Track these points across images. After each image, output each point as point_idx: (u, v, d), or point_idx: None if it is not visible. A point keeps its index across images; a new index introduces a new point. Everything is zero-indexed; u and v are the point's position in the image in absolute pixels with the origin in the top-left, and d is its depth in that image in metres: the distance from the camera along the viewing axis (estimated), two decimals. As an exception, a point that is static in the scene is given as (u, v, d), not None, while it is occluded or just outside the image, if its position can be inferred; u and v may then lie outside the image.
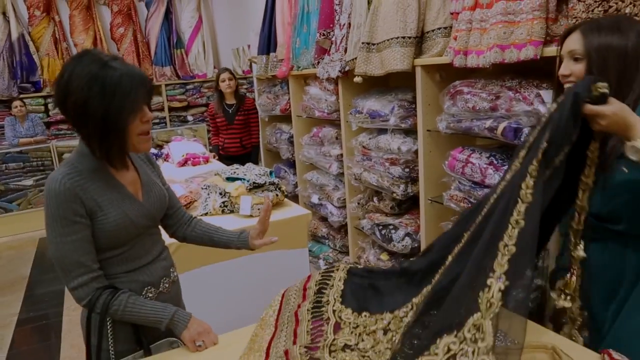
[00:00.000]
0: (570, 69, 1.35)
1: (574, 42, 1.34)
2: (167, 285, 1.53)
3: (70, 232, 1.30)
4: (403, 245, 2.92)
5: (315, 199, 4.00)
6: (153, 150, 4.19)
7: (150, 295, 1.47)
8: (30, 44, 6.10)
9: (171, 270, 1.58)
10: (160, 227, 1.63)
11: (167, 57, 6.67)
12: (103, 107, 1.23)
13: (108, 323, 1.36)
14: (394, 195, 2.92)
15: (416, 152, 2.72)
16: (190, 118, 6.86)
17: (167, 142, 5.17)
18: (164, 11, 6.54)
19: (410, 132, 2.84)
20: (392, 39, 2.59)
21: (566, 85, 1.37)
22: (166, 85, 6.61)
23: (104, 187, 1.37)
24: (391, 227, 3.05)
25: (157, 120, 6.65)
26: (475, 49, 2.12)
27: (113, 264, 1.40)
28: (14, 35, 6.02)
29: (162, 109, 6.65)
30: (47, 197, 1.29)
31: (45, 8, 6.13)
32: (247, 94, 6.71)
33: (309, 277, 1.57)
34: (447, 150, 2.48)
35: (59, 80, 1.27)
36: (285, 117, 4.53)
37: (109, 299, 1.33)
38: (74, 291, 1.33)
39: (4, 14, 6.01)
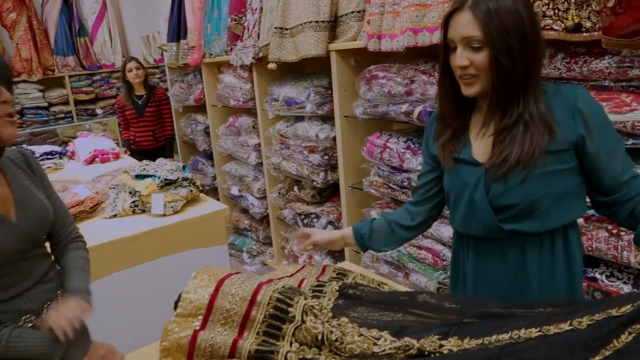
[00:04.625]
0: (469, 59, 1.13)
1: (469, 27, 1.11)
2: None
3: None
4: (326, 235, 2.87)
5: (235, 191, 3.87)
6: (56, 148, 3.86)
7: (30, 324, 1.26)
8: None
9: (59, 292, 1.37)
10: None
11: (70, 46, 6.17)
12: None
13: None
14: (314, 183, 2.86)
15: (334, 138, 2.67)
16: (99, 111, 6.44)
17: (74, 138, 4.81)
18: (63, -5, 6.05)
19: (328, 118, 2.79)
20: (305, 23, 2.50)
21: (463, 79, 1.17)
22: (70, 76, 6.13)
23: None
24: (313, 215, 3.00)
25: (62, 115, 6.18)
26: (388, 33, 2.08)
27: None
28: None
29: (66, 102, 6.18)
30: None
31: None
32: (160, 83, 6.39)
33: (259, 286, 1.18)
34: (365, 135, 2.44)
35: None
36: (200, 107, 4.35)
37: None
38: None
39: None
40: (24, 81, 5.88)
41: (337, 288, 1.27)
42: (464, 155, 1.25)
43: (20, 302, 1.25)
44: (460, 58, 1.14)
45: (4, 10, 5.80)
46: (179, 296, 1.19)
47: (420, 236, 2.22)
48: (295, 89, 2.83)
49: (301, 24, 2.53)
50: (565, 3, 1.55)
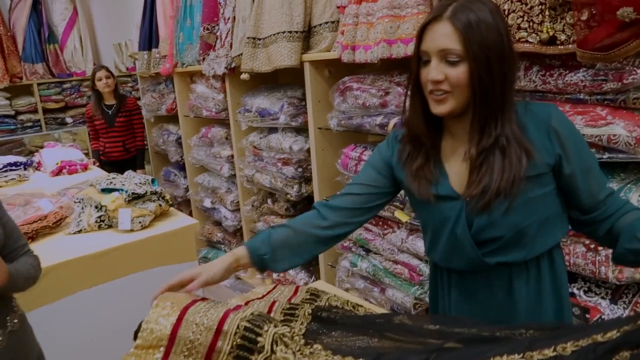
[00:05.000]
0: (445, 73, 1.04)
1: (447, 39, 1.02)
2: (0, 338, 1.26)
3: None
4: (301, 248, 2.81)
5: (208, 203, 3.78)
6: (21, 159, 3.72)
7: None
8: None
9: (9, 318, 1.30)
10: None
11: (39, 53, 6.00)
12: None
13: None
14: (288, 196, 2.80)
15: (308, 150, 2.62)
16: (69, 120, 6.27)
17: (41, 148, 4.66)
18: (31, 1, 5.88)
19: (302, 130, 2.73)
20: (278, 33, 2.45)
21: (434, 95, 1.07)
22: (39, 84, 5.96)
23: None
24: (288, 229, 2.93)
25: (30, 124, 6.00)
26: (362, 44, 2.04)
27: None
28: None
29: (35, 111, 6.01)
30: None
31: None
32: (133, 92, 6.27)
33: (225, 314, 1.07)
34: (339, 148, 2.40)
35: None
36: (173, 117, 4.26)
37: None
38: None
39: None
40: (-11, 88, 5.70)
41: (310, 311, 1.21)
42: (443, 189, 1.15)
43: None
44: (435, 71, 1.05)
45: (-30, 16, 5.64)
46: (139, 326, 1.11)
47: (395, 250, 2.18)
48: (268, 100, 2.77)
49: (274, 34, 2.48)
50: (540, 15, 1.54)
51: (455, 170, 1.15)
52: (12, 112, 5.90)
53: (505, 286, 1.17)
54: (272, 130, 2.86)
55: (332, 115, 2.35)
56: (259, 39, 2.62)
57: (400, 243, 2.14)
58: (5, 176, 3.44)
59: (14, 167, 3.54)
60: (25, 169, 3.63)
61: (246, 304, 1.33)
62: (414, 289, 2.13)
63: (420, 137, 1.18)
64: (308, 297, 1.38)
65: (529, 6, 1.54)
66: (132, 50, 5.60)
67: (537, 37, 1.55)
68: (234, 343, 1.04)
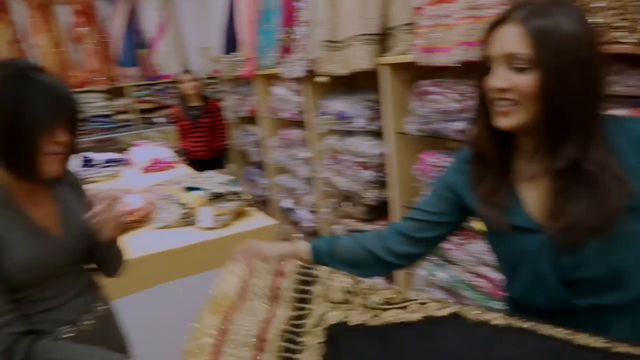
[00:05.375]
0: (511, 82, 0.92)
1: (515, 42, 0.90)
2: (88, 323, 1.35)
3: None
4: (376, 253, 2.79)
5: (286, 204, 3.85)
6: (114, 156, 3.97)
7: (67, 336, 1.29)
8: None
9: (93, 305, 1.39)
10: None
11: (132, 58, 6.41)
12: (13, 112, 1.10)
13: None
14: (366, 200, 2.79)
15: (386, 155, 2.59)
16: (159, 120, 6.63)
17: (133, 146, 4.96)
18: (127, 10, 6.28)
19: (380, 134, 2.70)
20: (354, 36, 2.44)
21: (499, 105, 0.95)
22: (132, 86, 6.37)
23: (9, 222, 1.20)
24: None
25: (124, 123, 6.42)
26: (440, 47, 1.98)
27: (23, 305, 1.23)
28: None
29: (128, 111, 6.42)
30: None
31: (1, 9, 5.85)
32: (217, 94, 6.52)
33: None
34: (417, 152, 2.35)
35: None
36: (253, 119, 4.36)
37: (29, 346, 1.16)
38: None
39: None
40: (91, 91, 6.15)
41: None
42: (521, 218, 1.01)
43: (59, 314, 1.28)
44: (498, 78, 0.93)
45: (75, 25, 6.10)
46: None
47: (475, 262, 2.10)
48: (346, 103, 2.77)
49: (350, 37, 2.47)
50: (637, 13, 1.41)
51: (532, 196, 1.02)
52: (109, 113, 6.33)
53: (599, 331, 0.99)
54: (350, 133, 2.86)
55: (410, 119, 2.31)
56: (335, 42, 2.63)
57: (481, 254, 2.06)
58: (102, 172, 3.69)
59: (109, 164, 3.80)
60: (119, 165, 3.88)
61: None
62: (495, 304, 2.04)
63: (487, 155, 1.05)
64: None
65: (622, 2, 1.42)
66: (216, 53, 5.82)
67: (634, 36, 1.43)
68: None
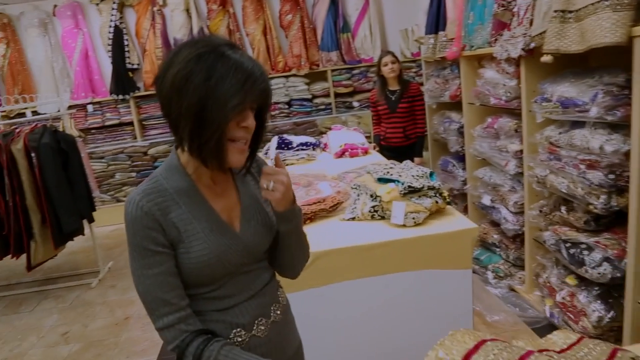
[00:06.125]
0: None
1: None
2: (262, 328, 1.21)
3: (151, 264, 1.05)
4: (600, 273, 2.27)
5: (486, 200, 3.44)
6: (311, 140, 3.98)
7: (240, 339, 1.17)
8: (209, 36, 6.40)
9: (272, 308, 1.25)
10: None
11: (334, 42, 6.49)
12: (204, 89, 1.00)
13: None
14: (591, 207, 2.28)
15: (627, 153, 2.05)
16: (355, 104, 6.64)
17: (329, 129, 4.98)
18: (332, -6, 6.37)
19: (619, 127, 2.16)
20: (598, 2, 1.95)
21: None
22: (332, 70, 6.45)
23: (190, 212, 1.10)
24: (583, 246, 2.41)
25: (322, 107, 6.56)
26: None
27: (197, 301, 1.14)
28: (195, 30, 6.35)
29: (327, 95, 6.53)
30: (125, 221, 1.06)
31: (221, 2, 6.36)
32: (416, 78, 6.25)
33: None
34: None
35: (168, 53, 1.07)
36: (455, 105, 4.01)
37: (201, 347, 1.05)
38: (160, 332, 1.09)
39: (187, 10, 6.37)
40: (294, 75, 6.42)
41: None
42: None
43: (233, 315, 1.17)
44: None
45: (282, 13, 6.42)
46: None
47: None
48: (575, 88, 2.28)
49: (592, 4, 1.98)
50: None
51: None
52: (309, 96, 6.54)
53: None
54: (577, 124, 2.36)
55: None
56: (570, 12, 2.15)
57: None
58: (297, 155, 3.71)
59: (304, 147, 3.81)
60: (313, 149, 3.87)
61: (540, 351, 1.01)
62: None
63: None
64: None
65: None
66: (418, 35, 5.54)
67: None
68: None
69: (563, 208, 2.57)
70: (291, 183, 1.15)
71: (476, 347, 0.91)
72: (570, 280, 2.61)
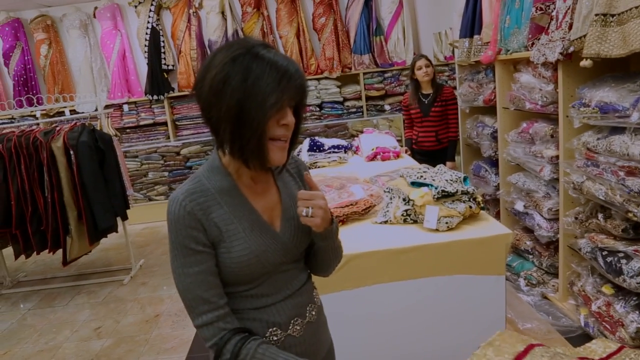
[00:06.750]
0: None
1: None
2: (297, 328, 1.22)
3: (192, 262, 1.08)
4: (638, 282, 2.21)
5: (519, 206, 3.39)
6: (343, 142, 3.99)
7: (276, 338, 1.18)
8: (243, 38, 6.48)
9: (308, 308, 1.26)
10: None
11: (366, 45, 6.48)
12: (242, 90, 1.02)
13: None
14: (630, 215, 2.22)
15: (669, 161, 2.01)
16: (387, 107, 6.61)
17: (361, 132, 4.97)
18: (364, -1, 6.37)
19: (662, 133, 2.12)
20: (643, 6, 1.91)
21: None
22: (364, 73, 6.45)
23: (231, 212, 1.12)
24: (621, 254, 2.36)
25: (354, 110, 6.56)
26: None
27: (235, 299, 1.16)
28: (230, 32, 6.44)
29: (359, 98, 6.53)
30: (168, 220, 1.09)
31: (256, 4, 6.43)
32: (449, 82, 6.20)
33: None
34: None
35: (206, 58, 1.10)
36: (489, 109, 3.97)
37: (239, 345, 1.07)
38: (199, 329, 1.11)
39: (222, 12, 6.46)
40: (326, 78, 6.44)
41: None
42: None
43: (270, 314, 1.18)
44: None
45: (315, 16, 6.44)
46: None
47: None
48: (615, 93, 2.23)
49: (636, 7, 1.94)
50: None
51: None
52: (341, 99, 6.54)
53: None
54: (616, 130, 2.31)
55: None
56: (612, 15, 2.10)
57: None
58: (329, 157, 3.73)
59: (336, 150, 3.82)
60: (345, 152, 3.88)
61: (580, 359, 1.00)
62: None
63: None
64: None
65: None
66: (451, 38, 5.50)
67: None
68: None
69: (600, 215, 2.52)
70: (327, 203, 1.17)
71: (526, 351, 0.91)
72: (607, 289, 2.55)
